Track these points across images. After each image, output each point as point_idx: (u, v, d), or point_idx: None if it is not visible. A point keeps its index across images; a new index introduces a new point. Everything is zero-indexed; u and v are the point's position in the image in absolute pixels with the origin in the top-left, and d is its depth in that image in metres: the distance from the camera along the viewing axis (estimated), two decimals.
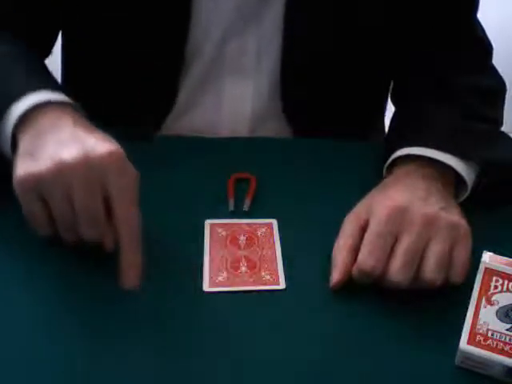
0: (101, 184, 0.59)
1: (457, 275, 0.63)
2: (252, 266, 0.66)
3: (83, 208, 0.59)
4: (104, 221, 0.60)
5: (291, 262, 0.67)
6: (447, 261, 0.63)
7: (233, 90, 0.84)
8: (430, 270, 0.62)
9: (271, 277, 0.65)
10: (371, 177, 0.75)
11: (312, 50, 0.80)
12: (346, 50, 0.81)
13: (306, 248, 0.68)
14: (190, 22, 0.78)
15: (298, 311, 0.63)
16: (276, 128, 0.86)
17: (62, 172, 0.58)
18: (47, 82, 0.69)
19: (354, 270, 0.63)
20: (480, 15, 0.89)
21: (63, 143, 0.61)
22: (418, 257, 0.62)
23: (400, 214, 0.64)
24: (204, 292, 0.64)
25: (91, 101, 0.86)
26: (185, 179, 0.75)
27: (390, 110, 0.91)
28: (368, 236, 0.64)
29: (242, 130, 0.86)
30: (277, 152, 0.80)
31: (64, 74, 0.93)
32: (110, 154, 0.60)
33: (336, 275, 0.64)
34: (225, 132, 0.85)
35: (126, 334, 0.60)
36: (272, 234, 0.70)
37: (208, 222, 0.70)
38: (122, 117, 0.80)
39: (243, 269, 0.66)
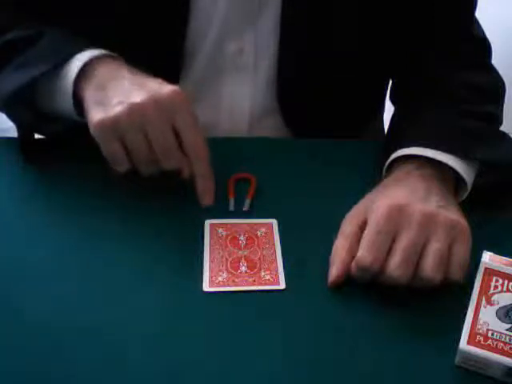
0: (170, 120, 0.66)
1: (456, 273, 0.63)
2: (252, 266, 0.66)
3: (158, 142, 0.66)
4: (178, 151, 0.67)
5: (291, 261, 0.67)
6: (446, 259, 0.63)
7: (231, 88, 0.84)
8: (429, 267, 0.62)
9: (271, 277, 0.65)
10: (371, 176, 0.75)
11: (309, 50, 0.81)
12: (343, 50, 0.81)
13: (306, 248, 0.68)
14: (188, 21, 0.78)
15: (298, 311, 0.63)
16: (274, 125, 0.86)
17: (135, 113, 0.65)
18: (91, 44, 0.73)
19: (353, 266, 0.63)
20: (480, 15, 0.89)
21: (129, 89, 0.67)
22: (416, 254, 0.62)
23: (399, 213, 0.64)
24: (204, 292, 0.64)
25: None
26: (185, 179, 0.75)
27: (390, 109, 0.91)
28: (367, 234, 0.64)
29: (241, 127, 0.86)
30: (277, 152, 0.80)
31: None
32: (175, 93, 0.66)
33: (334, 272, 0.64)
34: (223, 129, 0.85)
35: (126, 332, 0.60)
36: (272, 234, 0.69)
37: (208, 222, 0.70)
38: None
39: (243, 269, 0.66)
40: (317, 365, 0.58)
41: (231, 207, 0.72)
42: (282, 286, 0.65)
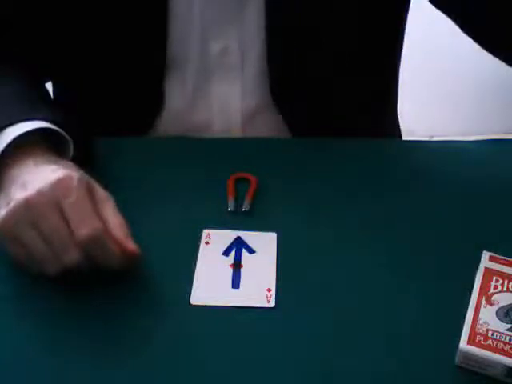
0: (56, 208, 0.60)
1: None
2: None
3: (49, 234, 0.60)
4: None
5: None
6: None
7: (221, 89, 0.84)
8: None
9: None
10: (371, 174, 0.75)
11: (297, 42, 0.80)
12: (332, 39, 0.80)
13: (306, 251, 0.68)
14: (168, 26, 0.78)
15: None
16: (268, 122, 0.86)
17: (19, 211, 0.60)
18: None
19: None
20: None
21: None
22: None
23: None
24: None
25: (81, 105, 0.86)
26: (185, 179, 0.75)
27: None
28: None
29: (234, 126, 0.85)
30: (277, 152, 0.80)
31: (54, 81, 0.92)
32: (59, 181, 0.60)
33: None
34: (217, 129, 0.85)
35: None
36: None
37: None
38: (112, 120, 0.79)
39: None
40: (317, 363, 0.58)
41: (231, 207, 0.72)
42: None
